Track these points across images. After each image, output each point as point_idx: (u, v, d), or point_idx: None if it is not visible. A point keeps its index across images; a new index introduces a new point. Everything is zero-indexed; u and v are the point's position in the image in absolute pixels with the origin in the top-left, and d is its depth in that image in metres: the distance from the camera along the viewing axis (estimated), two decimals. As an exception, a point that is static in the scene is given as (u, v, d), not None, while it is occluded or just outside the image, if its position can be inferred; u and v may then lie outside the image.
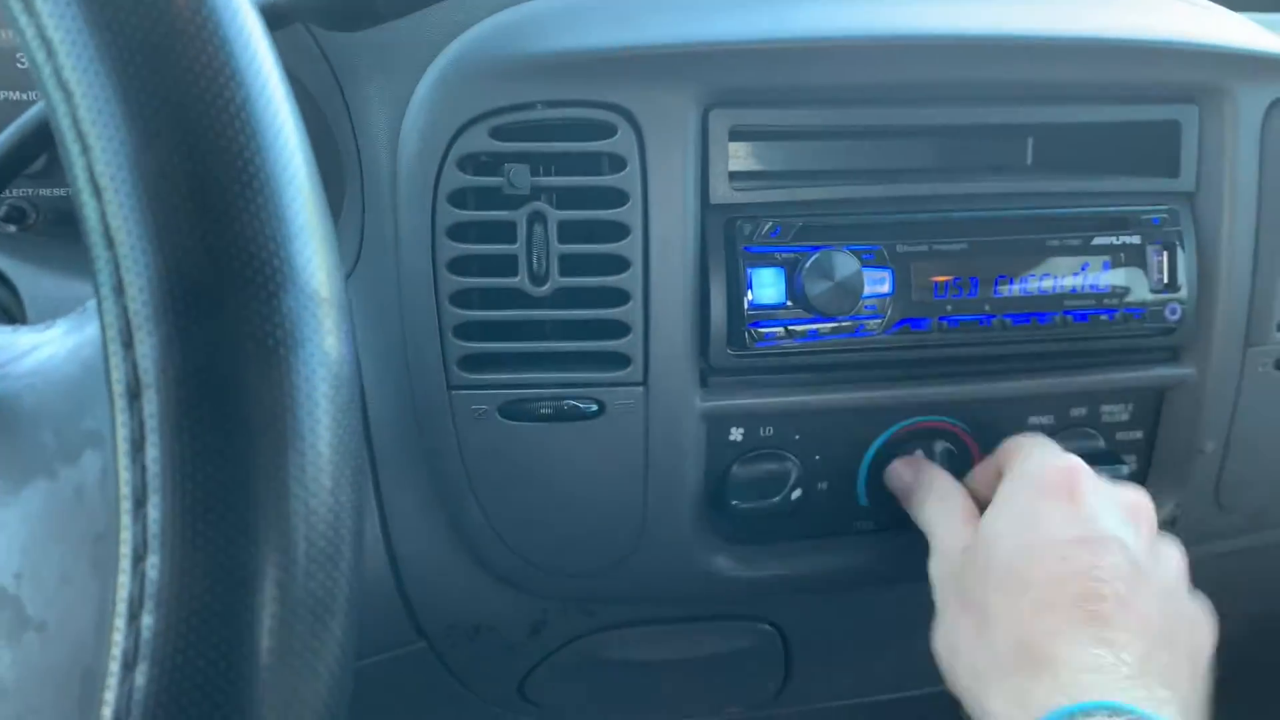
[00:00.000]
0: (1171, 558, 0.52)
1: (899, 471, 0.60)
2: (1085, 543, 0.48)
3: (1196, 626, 0.51)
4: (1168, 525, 0.66)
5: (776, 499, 0.60)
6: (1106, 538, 0.48)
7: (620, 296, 0.55)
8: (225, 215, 0.26)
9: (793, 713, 0.78)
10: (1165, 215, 0.60)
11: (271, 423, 0.26)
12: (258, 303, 0.26)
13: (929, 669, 0.78)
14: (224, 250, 0.26)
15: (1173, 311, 0.60)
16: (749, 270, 0.56)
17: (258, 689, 0.26)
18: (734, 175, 0.56)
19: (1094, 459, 0.63)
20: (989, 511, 0.53)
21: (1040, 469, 0.53)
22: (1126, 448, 0.65)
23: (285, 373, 0.27)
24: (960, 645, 0.51)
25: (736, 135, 0.57)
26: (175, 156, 0.26)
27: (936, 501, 0.57)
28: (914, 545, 0.64)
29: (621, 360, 0.55)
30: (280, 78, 0.29)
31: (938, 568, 0.54)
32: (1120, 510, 0.51)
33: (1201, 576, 0.72)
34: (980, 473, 0.58)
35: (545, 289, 0.54)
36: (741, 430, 0.60)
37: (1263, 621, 0.81)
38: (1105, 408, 0.64)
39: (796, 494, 0.60)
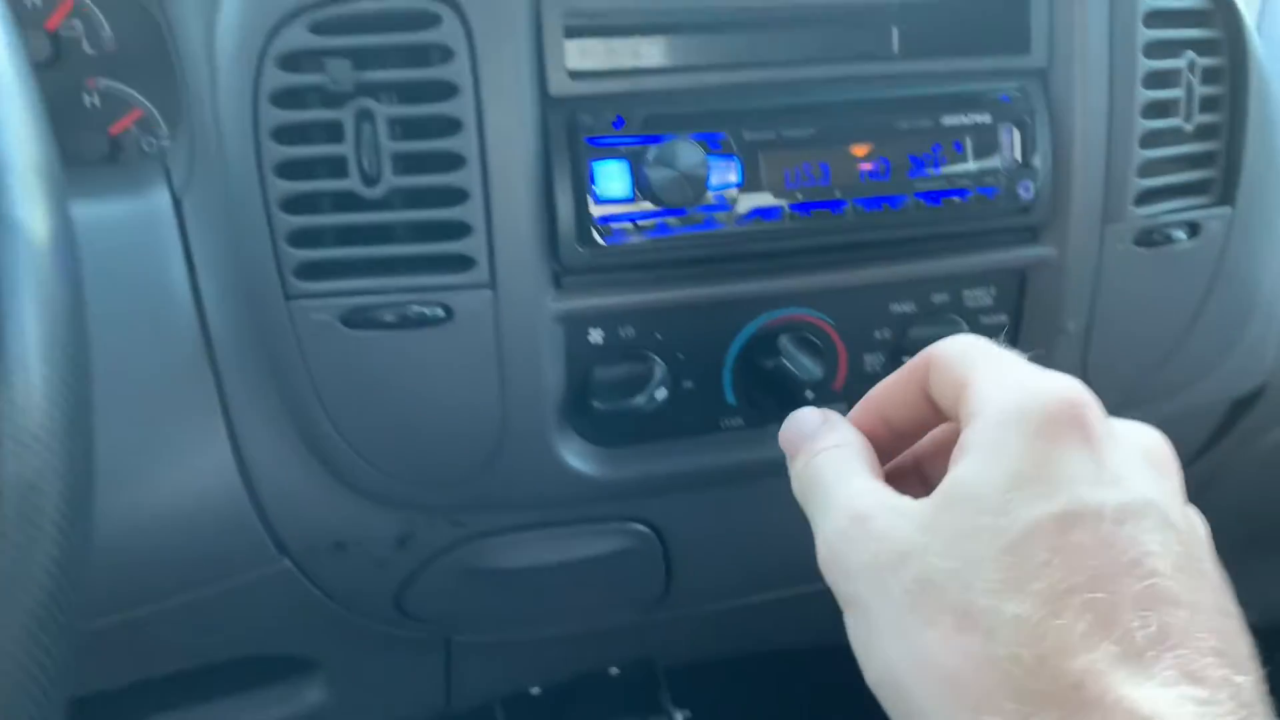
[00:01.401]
0: (1200, 526, 0.36)
1: (782, 430, 0.45)
2: (1126, 514, 0.33)
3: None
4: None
5: (640, 399, 0.59)
6: (1149, 504, 0.34)
7: (458, 195, 0.53)
8: None
9: (683, 616, 0.78)
10: (1016, 93, 0.59)
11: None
12: None
13: (815, 566, 0.78)
14: None
15: (1026, 190, 0.60)
16: (592, 163, 0.54)
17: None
18: (574, 75, 0.54)
19: (959, 344, 0.63)
20: (967, 449, 0.36)
21: (1033, 399, 0.35)
22: (991, 332, 0.65)
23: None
24: (949, 676, 0.33)
25: (574, 31, 0.55)
26: None
27: (830, 449, 0.41)
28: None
29: (466, 262, 0.54)
30: None
31: (847, 542, 0.37)
32: (1146, 460, 0.36)
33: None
34: (889, 395, 0.42)
35: (379, 190, 0.52)
36: (601, 331, 0.59)
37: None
38: (967, 292, 0.64)
39: (661, 394, 0.59)
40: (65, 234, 0.27)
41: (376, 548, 0.62)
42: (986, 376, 0.38)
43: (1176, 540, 0.33)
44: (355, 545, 0.61)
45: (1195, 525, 0.36)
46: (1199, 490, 0.88)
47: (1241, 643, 0.33)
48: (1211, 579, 0.34)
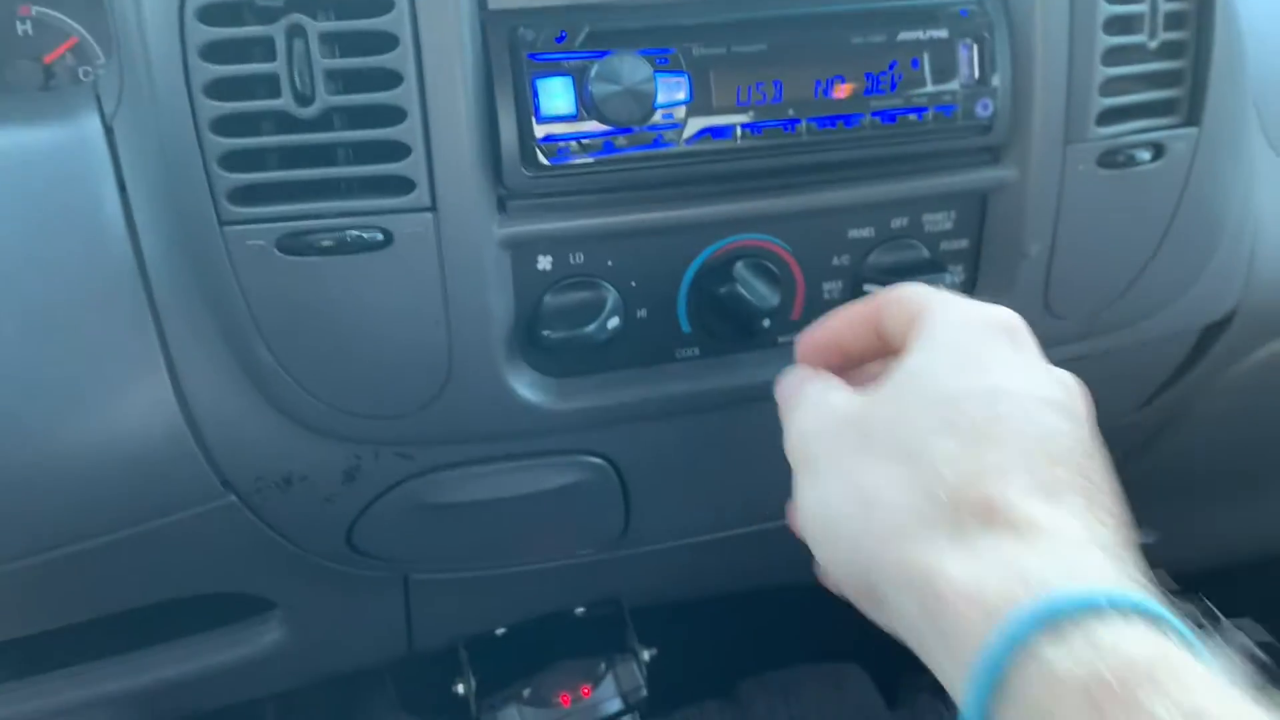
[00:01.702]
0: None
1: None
2: (1044, 404, 0.39)
3: None
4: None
5: (592, 328, 0.57)
6: (1062, 404, 0.40)
7: (395, 114, 0.51)
8: None
9: (648, 555, 0.77)
10: (974, 7, 0.57)
11: None
12: None
13: (777, 495, 0.77)
14: None
15: (984, 108, 0.58)
16: (535, 80, 0.52)
17: None
18: None
19: (919, 270, 0.62)
20: (915, 349, 0.42)
21: (975, 312, 0.43)
22: (952, 257, 0.64)
23: None
24: (873, 498, 0.38)
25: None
26: None
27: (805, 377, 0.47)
28: (739, 367, 0.63)
29: (405, 184, 0.52)
30: None
31: (813, 421, 0.44)
32: (1064, 389, 0.41)
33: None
34: (846, 325, 0.48)
35: (312, 110, 0.50)
36: (550, 258, 0.57)
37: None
38: (927, 216, 0.62)
39: (614, 323, 0.58)
40: None
41: (323, 483, 0.60)
42: (935, 307, 0.44)
43: (1082, 435, 0.39)
44: (301, 480, 0.60)
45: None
46: (1170, 419, 0.88)
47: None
48: (1106, 472, 0.39)
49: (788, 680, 1.14)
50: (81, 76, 0.67)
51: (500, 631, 0.88)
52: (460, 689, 0.86)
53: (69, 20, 0.67)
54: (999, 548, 0.35)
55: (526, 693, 0.83)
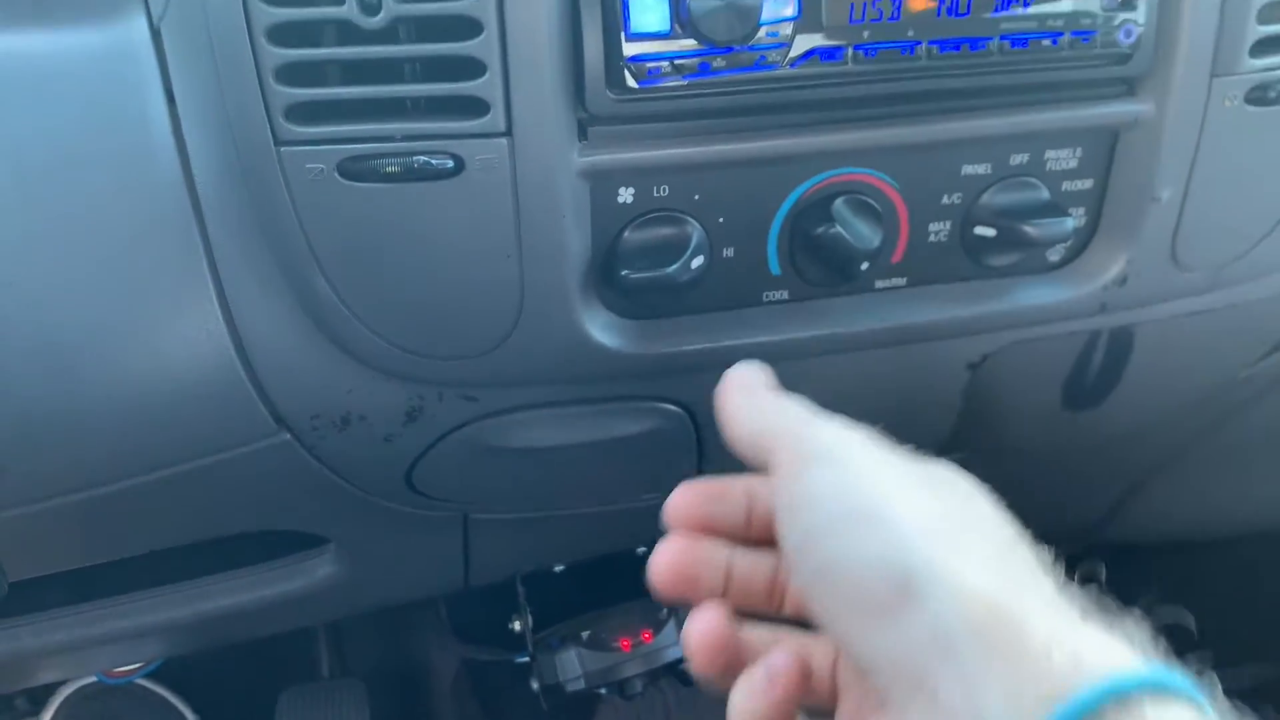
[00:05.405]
0: None
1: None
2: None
3: None
4: (1117, 285, 0.59)
5: (674, 268, 0.52)
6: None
7: (471, 27, 0.46)
8: None
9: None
10: (1125, -83, 0.51)
11: None
12: None
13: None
14: None
15: (1127, 34, 0.52)
16: (625, -9, 0.47)
17: None
18: None
19: (1037, 211, 0.56)
20: None
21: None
22: (1074, 199, 0.58)
23: None
24: None
25: None
26: None
27: None
28: (831, 314, 0.58)
29: (479, 106, 0.47)
30: None
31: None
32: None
33: (1154, 341, 0.67)
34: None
35: (379, 19, 0.45)
36: (631, 190, 0.52)
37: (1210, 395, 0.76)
38: (1050, 153, 0.56)
39: (698, 262, 0.53)
40: None
41: (384, 423, 0.57)
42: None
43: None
44: (360, 420, 0.56)
45: None
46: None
47: None
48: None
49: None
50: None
51: (559, 568, 0.85)
52: (516, 625, 0.84)
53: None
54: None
55: (585, 635, 0.80)
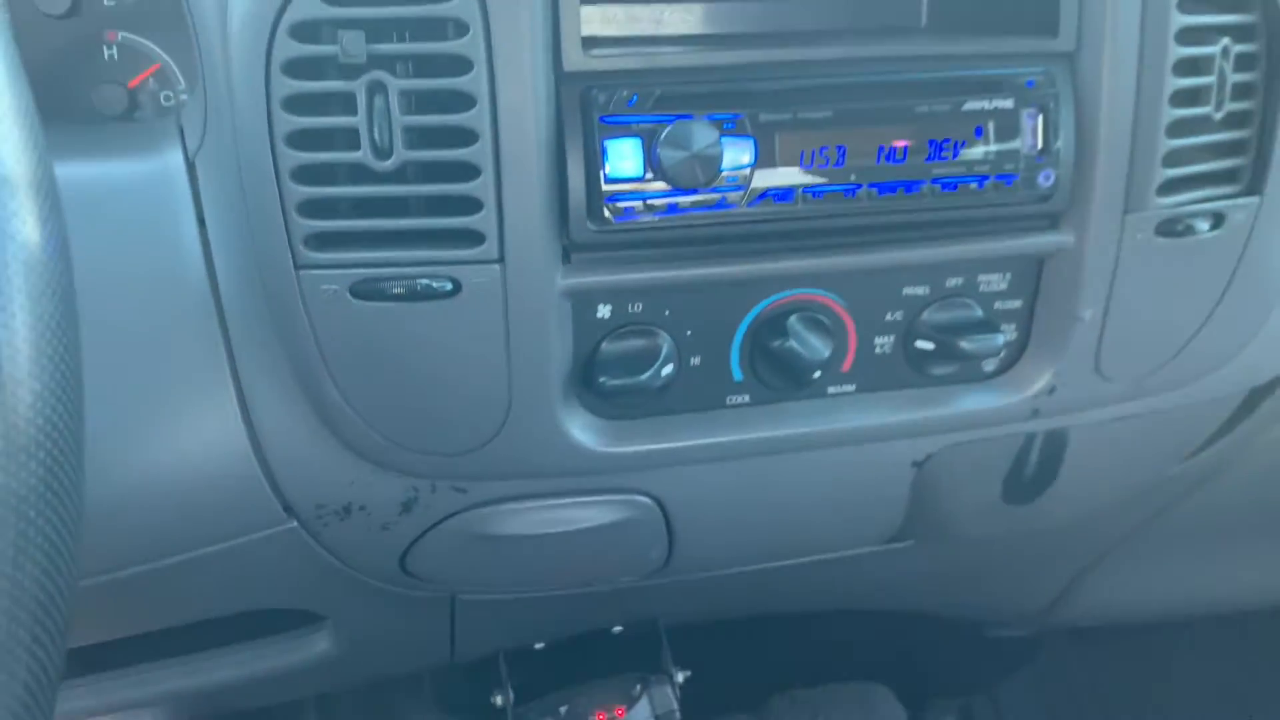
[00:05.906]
0: None
1: None
2: None
3: None
4: (1047, 393, 0.66)
5: (647, 375, 0.59)
6: None
7: (470, 171, 0.53)
8: None
9: (687, 579, 0.79)
10: (1041, 77, 0.58)
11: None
12: None
13: (815, 536, 0.78)
14: None
15: (1046, 178, 0.59)
16: (605, 141, 0.54)
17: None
18: (589, 41, 0.54)
19: (971, 328, 0.63)
20: None
21: None
22: (1005, 317, 0.65)
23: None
24: None
25: (592, -2, 0.54)
26: None
27: None
28: (788, 416, 0.64)
29: (475, 237, 0.54)
30: None
31: None
32: None
33: (1086, 442, 0.73)
34: None
35: (390, 163, 0.52)
36: (609, 307, 0.59)
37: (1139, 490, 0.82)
38: (983, 277, 0.63)
39: (668, 370, 0.60)
40: (57, 240, 0.27)
41: (382, 512, 0.63)
42: None
43: None
44: (360, 509, 0.62)
45: None
46: (1210, 474, 0.88)
47: None
48: None
49: (817, 699, 1.16)
50: (163, 101, 0.69)
51: (539, 646, 0.90)
52: (498, 700, 0.88)
53: (153, 46, 0.69)
54: None
55: (564, 710, 0.85)
